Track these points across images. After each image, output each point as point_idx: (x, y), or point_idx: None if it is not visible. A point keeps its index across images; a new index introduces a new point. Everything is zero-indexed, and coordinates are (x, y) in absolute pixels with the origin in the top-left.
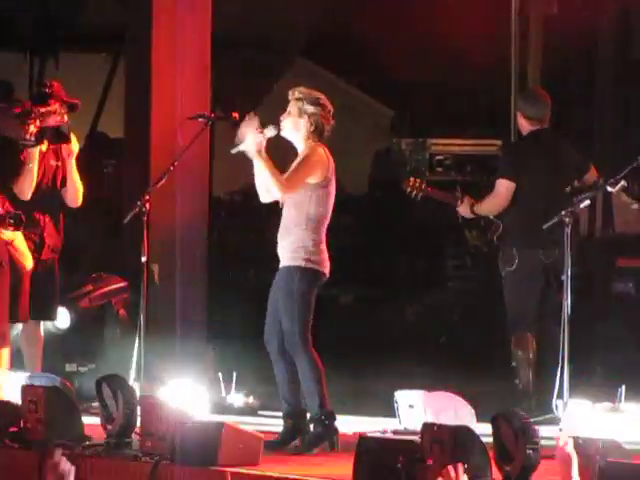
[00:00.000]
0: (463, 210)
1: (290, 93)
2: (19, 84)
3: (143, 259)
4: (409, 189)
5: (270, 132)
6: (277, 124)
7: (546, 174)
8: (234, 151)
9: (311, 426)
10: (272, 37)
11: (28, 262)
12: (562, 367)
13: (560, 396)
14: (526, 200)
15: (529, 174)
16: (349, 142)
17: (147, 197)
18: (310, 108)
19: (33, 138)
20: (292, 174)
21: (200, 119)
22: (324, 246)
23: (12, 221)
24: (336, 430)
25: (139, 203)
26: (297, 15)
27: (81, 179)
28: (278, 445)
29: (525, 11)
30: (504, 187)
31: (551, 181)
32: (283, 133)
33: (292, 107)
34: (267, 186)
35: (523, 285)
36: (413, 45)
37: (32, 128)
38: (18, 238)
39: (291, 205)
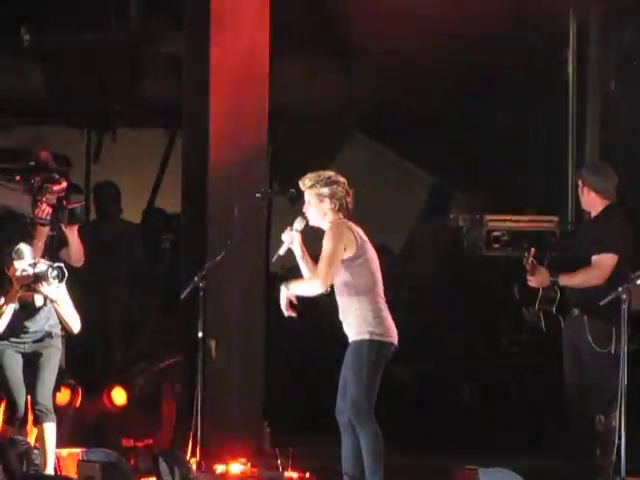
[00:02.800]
0: (540, 279)
1: (301, 184)
2: (75, 160)
3: (200, 335)
4: (530, 255)
5: (299, 225)
6: (304, 216)
7: (631, 249)
8: (274, 259)
9: None
10: (330, 111)
11: (75, 324)
12: (619, 444)
13: (617, 473)
14: (618, 276)
15: (625, 250)
16: (407, 215)
17: (204, 273)
18: (326, 190)
19: (48, 218)
20: (322, 267)
21: (257, 195)
22: (386, 314)
23: (55, 273)
24: None
25: (196, 279)
26: (354, 89)
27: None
28: None
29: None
30: (611, 261)
31: (631, 256)
32: (312, 223)
33: (309, 196)
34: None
35: (616, 363)
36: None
37: (46, 207)
38: (62, 296)
39: (338, 287)
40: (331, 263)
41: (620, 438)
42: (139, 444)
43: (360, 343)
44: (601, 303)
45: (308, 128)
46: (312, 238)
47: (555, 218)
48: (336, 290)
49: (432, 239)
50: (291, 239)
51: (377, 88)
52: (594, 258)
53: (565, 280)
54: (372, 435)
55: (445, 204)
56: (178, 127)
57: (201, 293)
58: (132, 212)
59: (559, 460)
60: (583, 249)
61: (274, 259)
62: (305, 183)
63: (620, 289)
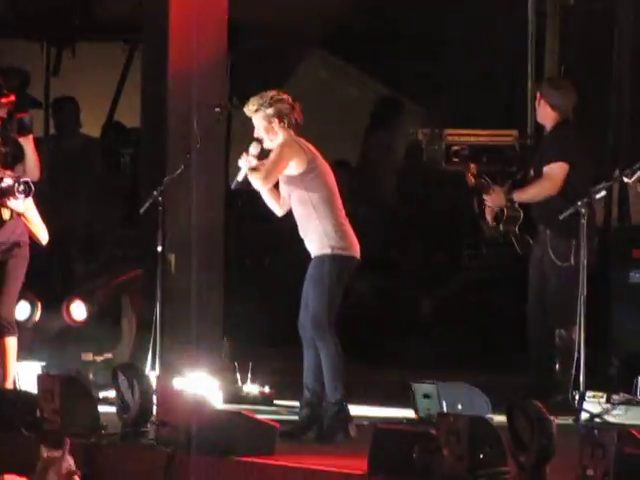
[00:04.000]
0: (495, 199)
1: (246, 110)
2: (35, 73)
3: (159, 249)
4: (468, 175)
5: (254, 149)
6: (258, 140)
7: (589, 165)
8: (233, 186)
9: (328, 414)
10: (289, 24)
11: (43, 235)
12: (578, 359)
13: (576, 387)
14: (573, 187)
15: (577, 161)
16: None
17: (163, 187)
18: (271, 110)
19: None
20: (267, 166)
21: (216, 108)
22: (347, 227)
23: (22, 188)
24: (351, 419)
25: (155, 193)
26: (314, 3)
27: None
28: (293, 434)
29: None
30: (562, 170)
31: (589, 171)
32: (266, 145)
33: (257, 120)
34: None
35: (577, 277)
36: (429, 35)
37: None
38: (29, 209)
39: (295, 204)
40: (276, 165)
41: (579, 352)
42: (98, 358)
43: (322, 258)
44: (560, 217)
45: (268, 42)
46: None
47: (514, 132)
48: (294, 209)
49: (388, 153)
50: (248, 164)
51: (339, 1)
52: (545, 169)
53: (519, 196)
54: (332, 350)
55: (396, 117)
56: (138, 41)
57: (160, 207)
58: (91, 126)
59: (518, 375)
60: (537, 164)
61: (233, 186)
62: (250, 108)
63: (579, 203)
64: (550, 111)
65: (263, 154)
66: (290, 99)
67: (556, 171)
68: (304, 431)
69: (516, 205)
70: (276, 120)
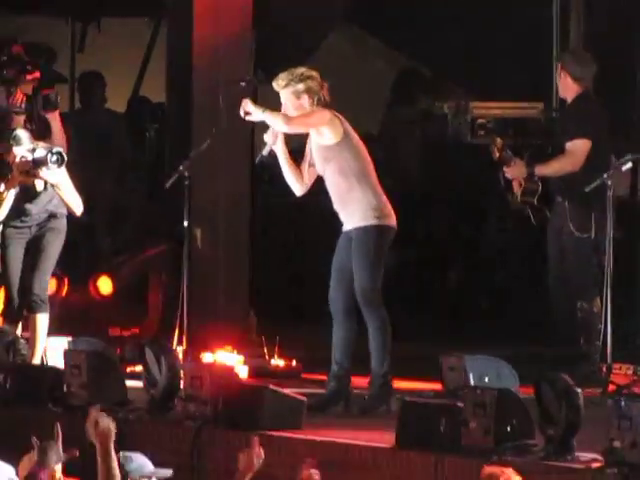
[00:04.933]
0: (515, 171)
1: (275, 85)
2: (61, 50)
3: (185, 224)
4: (495, 150)
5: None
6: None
7: (608, 137)
8: (258, 160)
9: (374, 386)
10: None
11: (77, 206)
12: (605, 330)
13: (603, 359)
14: (595, 162)
15: (599, 135)
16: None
17: (189, 162)
18: (301, 86)
19: (22, 106)
20: (297, 115)
21: (242, 83)
22: (385, 198)
23: (54, 158)
24: (394, 392)
25: (181, 168)
26: None
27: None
28: (320, 408)
29: None
30: (585, 147)
31: (610, 144)
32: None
33: (286, 95)
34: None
35: (597, 249)
36: (456, 6)
37: (20, 96)
38: (63, 179)
39: (334, 176)
40: (305, 116)
41: (606, 324)
42: (125, 333)
43: (367, 229)
44: (587, 189)
45: (293, 15)
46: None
47: (540, 105)
48: (331, 182)
49: (413, 126)
50: (274, 139)
51: None
52: (567, 145)
53: (540, 170)
54: (383, 322)
55: (419, 90)
56: (163, 15)
57: (186, 182)
58: (117, 102)
59: (544, 347)
60: (559, 137)
61: (257, 160)
62: (279, 83)
63: (605, 175)
64: (571, 83)
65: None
66: (319, 77)
67: (580, 148)
68: (331, 405)
69: (535, 177)
70: (306, 96)
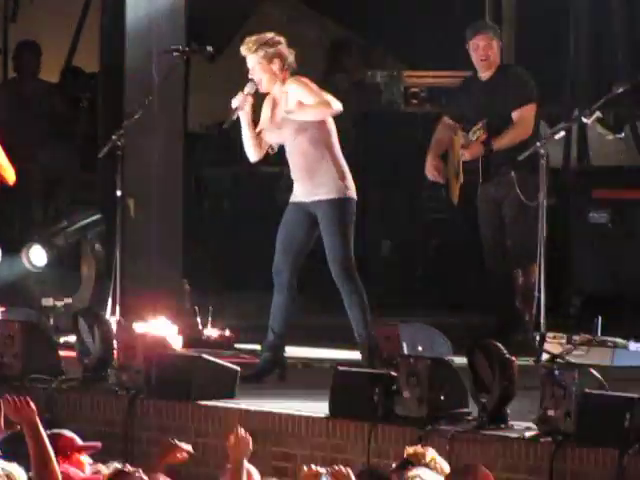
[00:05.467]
0: (474, 151)
1: (245, 49)
2: None
3: (118, 193)
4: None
5: (249, 88)
6: (252, 80)
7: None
8: (226, 125)
9: (365, 345)
10: None
11: (9, 174)
12: (539, 298)
13: (537, 328)
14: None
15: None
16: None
17: (122, 131)
18: (272, 50)
19: None
20: (322, 94)
21: (175, 53)
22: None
23: None
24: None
25: (114, 137)
26: None
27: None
28: (255, 377)
29: None
30: (532, 111)
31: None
32: (261, 88)
33: (256, 59)
34: (307, 115)
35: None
36: None
37: None
38: None
39: (304, 145)
40: (320, 91)
41: (540, 293)
42: (59, 303)
43: (339, 202)
44: (519, 158)
45: None
46: None
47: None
48: (298, 152)
49: (347, 96)
50: (241, 104)
51: None
52: (515, 114)
53: (497, 144)
54: (360, 289)
55: (352, 59)
56: None
57: (119, 152)
58: (50, 72)
59: (479, 315)
60: (495, 106)
61: (225, 125)
62: (249, 47)
63: (538, 144)
64: (498, 53)
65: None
66: (285, 42)
67: (529, 113)
68: (266, 374)
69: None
70: (277, 61)
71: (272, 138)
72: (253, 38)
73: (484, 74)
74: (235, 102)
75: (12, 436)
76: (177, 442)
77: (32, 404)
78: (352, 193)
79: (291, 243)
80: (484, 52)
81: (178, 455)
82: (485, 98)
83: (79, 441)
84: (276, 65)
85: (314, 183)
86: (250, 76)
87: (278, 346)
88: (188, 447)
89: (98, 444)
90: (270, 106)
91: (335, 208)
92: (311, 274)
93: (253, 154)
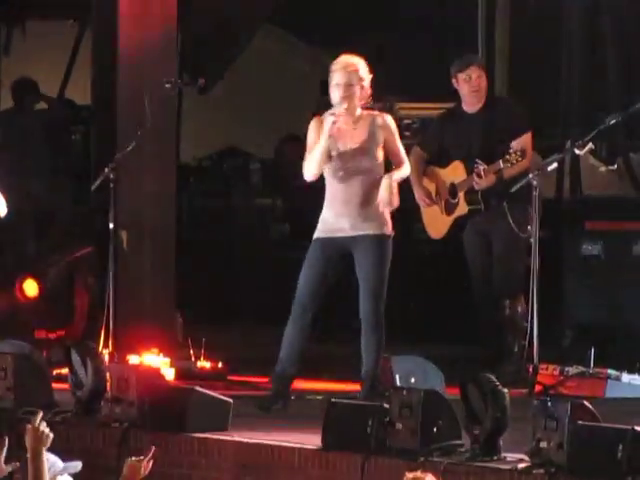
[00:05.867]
0: (490, 180)
1: (344, 67)
2: None
3: (111, 226)
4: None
5: (340, 108)
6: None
7: None
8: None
9: (364, 385)
10: (239, 1)
11: (2, 208)
12: (531, 330)
13: (530, 359)
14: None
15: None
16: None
17: (114, 164)
18: (369, 77)
19: None
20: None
21: (167, 85)
22: None
23: None
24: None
25: (107, 170)
26: None
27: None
28: (265, 407)
29: None
30: (530, 138)
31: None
32: (348, 110)
33: (352, 79)
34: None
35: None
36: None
37: None
38: None
39: (367, 176)
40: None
41: (532, 324)
42: (52, 336)
43: (386, 238)
44: (512, 190)
45: (218, 17)
46: None
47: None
48: (358, 182)
49: None
50: (335, 124)
51: None
52: (516, 143)
53: (509, 173)
54: (383, 330)
55: None
56: (88, 18)
57: (112, 184)
58: (43, 104)
59: (471, 348)
60: (487, 138)
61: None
62: (352, 67)
63: (531, 175)
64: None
65: None
66: None
67: (529, 141)
68: (272, 405)
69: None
70: (367, 89)
71: (337, 164)
72: (352, 57)
73: (474, 106)
74: (328, 122)
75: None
76: (135, 458)
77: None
78: (392, 231)
79: (321, 282)
80: (477, 83)
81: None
82: (476, 130)
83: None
84: (364, 92)
85: (364, 217)
86: (342, 95)
87: (288, 377)
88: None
89: (79, 464)
90: (330, 129)
91: (381, 244)
92: None
93: (316, 172)
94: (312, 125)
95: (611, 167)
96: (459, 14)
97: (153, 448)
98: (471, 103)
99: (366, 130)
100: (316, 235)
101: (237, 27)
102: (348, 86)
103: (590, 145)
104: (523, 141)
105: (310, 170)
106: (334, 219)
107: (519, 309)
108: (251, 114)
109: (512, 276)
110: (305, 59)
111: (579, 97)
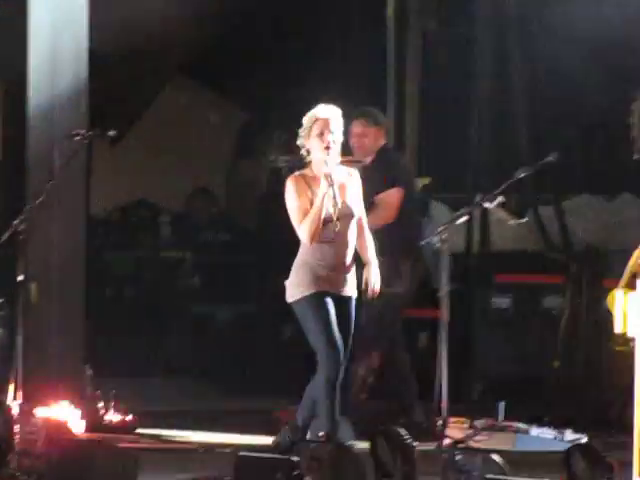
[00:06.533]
0: None
1: (368, 121)
2: None
3: (20, 278)
4: None
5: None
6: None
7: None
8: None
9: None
10: (148, 52)
11: None
12: (440, 384)
13: (439, 413)
14: (406, 211)
15: (408, 185)
16: (226, 159)
17: (23, 216)
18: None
19: None
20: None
21: (77, 137)
22: None
23: None
24: None
25: (15, 222)
26: (172, 29)
27: None
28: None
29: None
30: (400, 195)
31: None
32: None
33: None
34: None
35: (399, 303)
36: (289, 60)
37: None
38: None
39: (354, 235)
40: None
41: (442, 378)
42: None
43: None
44: (422, 243)
45: (128, 70)
46: None
47: (367, 159)
48: (350, 240)
49: (251, 180)
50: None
51: (197, 27)
52: (377, 198)
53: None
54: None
55: (255, 143)
56: None
57: (20, 237)
58: None
59: (382, 400)
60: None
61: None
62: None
63: (440, 229)
64: (381, 137)
65: None
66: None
67: (392, 198)
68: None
69: None
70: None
71: (334, 225)
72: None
73: (365, 159)
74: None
75: None
76: None
77: None
78: None
79: (346, 335)
80: (358, 139)
81: None
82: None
83: None
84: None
85: (349, 278)
86: (358, 145)
87: (301, 431)
88: None
89: None
90: (314, 187)
91: (356, 306)
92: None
93: (314, 236)
94: (295, 186)
95: (521, 220)
96: (366, 64)
97: None
98: (358, 157)
99: (351, 187)
100: (315, 290)
101: (148, 78)
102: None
103: (500, 198)
104: (383, 197)
105: (313, 236)
106: (327, 274)
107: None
108: (161, 166)
109: (391, 330)
110: (217, 111)
111: (489, 150)
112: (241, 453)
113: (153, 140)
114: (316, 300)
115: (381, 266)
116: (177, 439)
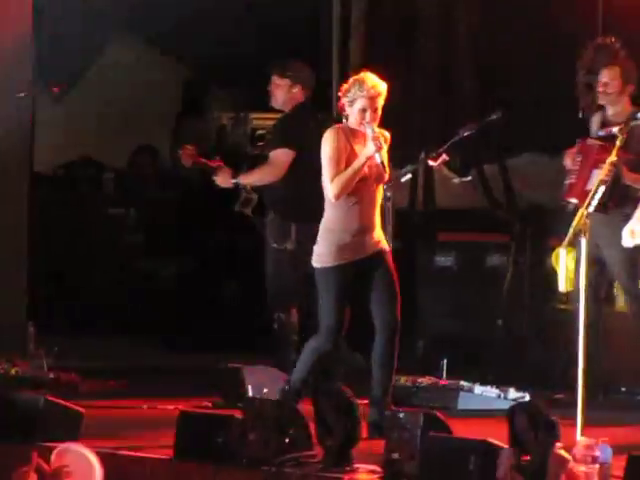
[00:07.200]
0: (221, 179)
1: (380, 90)
2: None
3: None
4: (183, 156)
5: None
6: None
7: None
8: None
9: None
10: (94, 8)
11: None
12: None
13: None
14: (303, 171)
15: (305, 145)
16: (171, 116)
17: None
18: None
19: None
20: None
21: (21, 94)
22: None
23: None
24: None
25: None
26: None
27: None
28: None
29: None
30: (285, 157)
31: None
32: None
33: (379, 103)
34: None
35: (298, 261)
36: (232, 18)
37: None
38: None
39: (379, 192)
40: None
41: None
42: None
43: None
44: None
45: (73, 25)
46: None
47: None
48: (376, 198)
49: (196, 137)
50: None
51: None
52: (270, 154)
53: (243, 179)
54: None
55: (202, 101)
56: None
57: None
58: None
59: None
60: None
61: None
62: (384, 89)
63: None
64: (299, 92)
65: None
66: None
67: (280, 158)
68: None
69: (248, 187)
70: None
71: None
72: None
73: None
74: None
75: None
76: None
77: None
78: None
79: (391, 290)
80: (272, 89)
81: None
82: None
83: None
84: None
85: (378, 233)
86: (372, 115)
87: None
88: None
89: None
90: (354, 144)
91: (391, 258)
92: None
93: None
94: (335, 137)
95: (465, 178)
96: (313, 21)
97: (34, 453)
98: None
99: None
100: (337, 262)
101: (92, 35)
102: (374, 109)
103: (444, 156)
104: (273, 155)
105: (342, 193)
106: (353, 239)
107: (291, 319)
108: (106, 124)
109: (275, 289)
110: (164, 70)
111: (434, 107)
112: (184, 409)
113: (98, 98)
114: (334, 274)
115: (271, 223)
116: (120, 396)
